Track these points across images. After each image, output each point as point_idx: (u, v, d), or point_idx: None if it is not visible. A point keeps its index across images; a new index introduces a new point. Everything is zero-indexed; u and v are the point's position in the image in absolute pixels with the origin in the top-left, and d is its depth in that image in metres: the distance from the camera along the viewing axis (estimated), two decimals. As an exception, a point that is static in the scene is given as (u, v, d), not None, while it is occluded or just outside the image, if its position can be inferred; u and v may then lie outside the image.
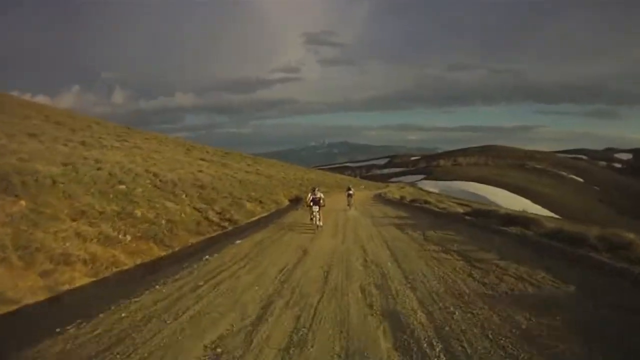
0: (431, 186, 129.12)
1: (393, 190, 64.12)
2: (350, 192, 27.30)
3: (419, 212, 24.28)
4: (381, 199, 42.19)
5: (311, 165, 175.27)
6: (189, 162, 31.73)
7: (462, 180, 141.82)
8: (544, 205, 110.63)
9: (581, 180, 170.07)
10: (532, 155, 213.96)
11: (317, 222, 15.16)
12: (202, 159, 37.69)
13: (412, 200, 33.11)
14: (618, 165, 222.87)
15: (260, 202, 24.13)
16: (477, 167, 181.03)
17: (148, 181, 17.36)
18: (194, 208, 16.14)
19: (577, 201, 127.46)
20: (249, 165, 49.09)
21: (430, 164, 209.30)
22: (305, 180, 54.30)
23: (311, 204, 15.50)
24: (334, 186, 61.35)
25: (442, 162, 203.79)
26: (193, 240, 12.64)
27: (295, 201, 30.32)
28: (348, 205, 26.06)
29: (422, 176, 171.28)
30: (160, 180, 18.14)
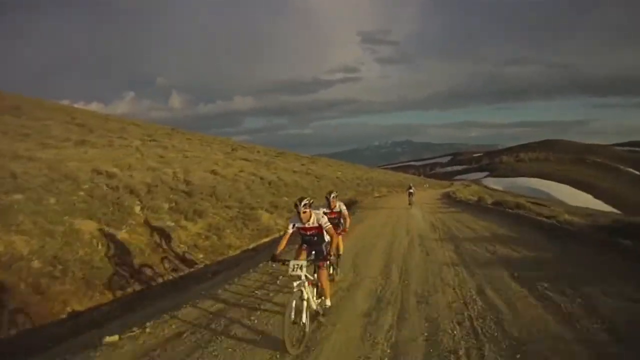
0: (495, 183, 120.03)
1: (460, 190, 55.14)
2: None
3: (520, 224, 14.93)
4: (451, 200, 34.39)
5: (375, 165, 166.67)
6: (227, 162, 27.65)
7: (524, 176, 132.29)
8: (605, 201, 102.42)
9: (637, 172, 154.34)
10: (590, 149, 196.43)
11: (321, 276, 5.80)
12: (245, 159, 32.88)
13: (496, 203, 24.58)
14: None
15: (289, 210, 18.32)
16: (539, 162, 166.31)
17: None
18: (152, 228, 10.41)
19: (637, 195, 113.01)
20: (303, 165, 43.68)
21: (493, 160, 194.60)
22: (364, 180, 48.34)
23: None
24: (396, 185, 55.19)
25: (504, 158, 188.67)
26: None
27: (349, 204, 24.62)
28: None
29: (485, 173, 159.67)
30: (107, 186, 12.27)
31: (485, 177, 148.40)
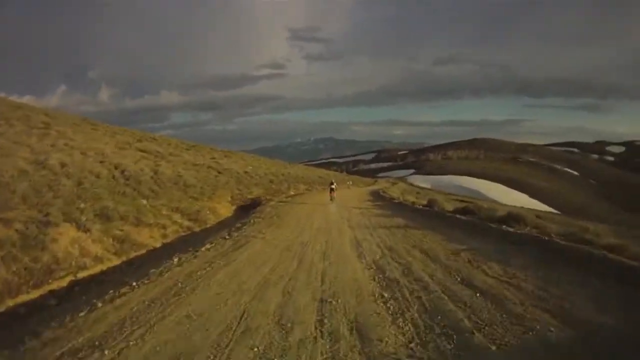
0: (422, 181, 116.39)
1: (388, 187, 51.26)
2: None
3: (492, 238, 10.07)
4: (383, 199, 30.31)
5: (296, 161, 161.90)
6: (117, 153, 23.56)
7: (453, 174, 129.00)
8: (542, 200, 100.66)
9: (576, 173, 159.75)
10: (524, 148, 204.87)
11: None
12: (143, 151, 28.55)
13: (463, 210, 16.70)
14: (610, 159, 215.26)
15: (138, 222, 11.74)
16: (469, 161, 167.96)
17: None
18: None
19: (575, 195, 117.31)
20: (212, 158, 39.20)
21: (419, 157, 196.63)
22: (280, 176, 43.53)
23: None
24: (317, 182, 50.41)
25: (431, 155, 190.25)
26: None
27: (249, 207, 22.83)
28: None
29: (411, 170, 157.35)
30: None
31: (411, 174, 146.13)
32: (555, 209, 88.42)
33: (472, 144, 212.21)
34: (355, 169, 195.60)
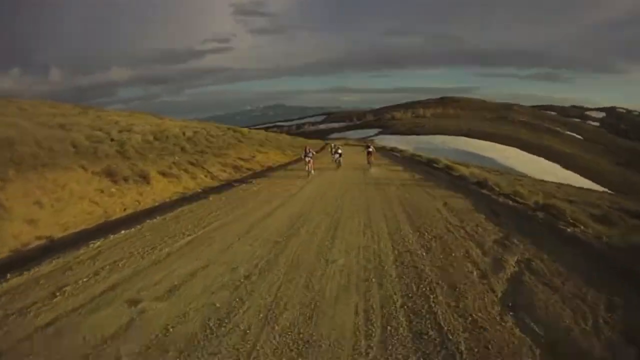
0: (399, 142, 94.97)
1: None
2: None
3: None
4: None
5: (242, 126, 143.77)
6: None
7: (441, 134, 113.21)
8: (578, 172, 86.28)
9: (580, 137, 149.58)
10: (508, 106, 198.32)
11: None
12: None
13: None
14: (595, 124, 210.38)
15: None
16: (449, 119, 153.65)
17: None
18: None
19: (602, 164, 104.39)
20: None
21: (382, 116, 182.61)
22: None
23: None
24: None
25: (397, 114, 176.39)
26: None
27: None
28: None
29: (376, 130, 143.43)
30: None
31: (377, 134, 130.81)
32: (594, 182, 76.67)
33: (443, 102, 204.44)
34: (300, 130, 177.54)
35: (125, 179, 17.37)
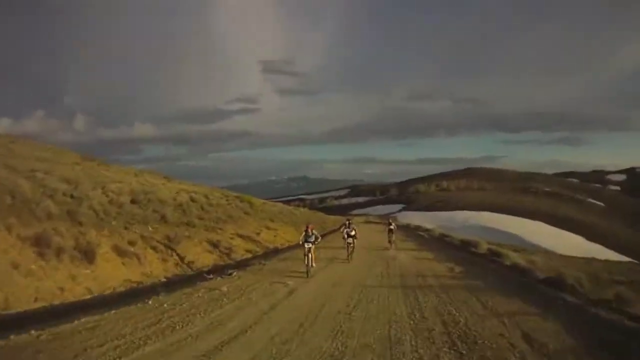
0: (422, 219, 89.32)
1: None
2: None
3: None
4: None
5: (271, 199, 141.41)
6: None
7: (464, 209, 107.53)
8: (603, 244, 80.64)
9: (601, 204, 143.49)
10: (531, 177, 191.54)
11: None
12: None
13: None
14: (616, 188, 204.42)
15: None
16: (473, 192, 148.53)
17: None
18: None
19: (625, 233, 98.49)
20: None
21: (406, 190, 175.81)
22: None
23: None
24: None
25: (422, 187, 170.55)
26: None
27: None
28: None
29: (400, 206, 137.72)
30: None
31: (400, 210, 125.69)
32: (627, 256, 69.54)
33: (467, 173, 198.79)
34: (323, 205, 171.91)
35: (59, 253, 12.66)
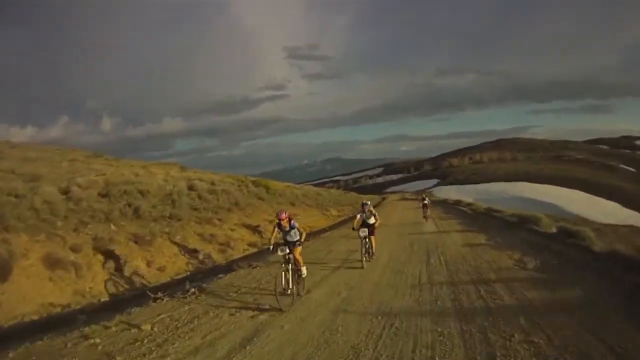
0: (457, 193, 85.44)
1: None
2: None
3: None
4: None
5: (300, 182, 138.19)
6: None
7: (500, 181, 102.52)
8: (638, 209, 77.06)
9: (633, 170, 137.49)
10: (564, 145, 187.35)
11: None
12: None
13: None
14: None
15: None
16: (507, 163, 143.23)
17: None
18: None
19: None
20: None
21: (439, 164, 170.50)
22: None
23: None
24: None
25: (455, 161, 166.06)
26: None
27: None
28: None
29: (434, 181, 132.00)
30: None
31: (435, 185, 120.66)
32: None
33: (498, 144, 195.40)
34: (357, 185, 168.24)
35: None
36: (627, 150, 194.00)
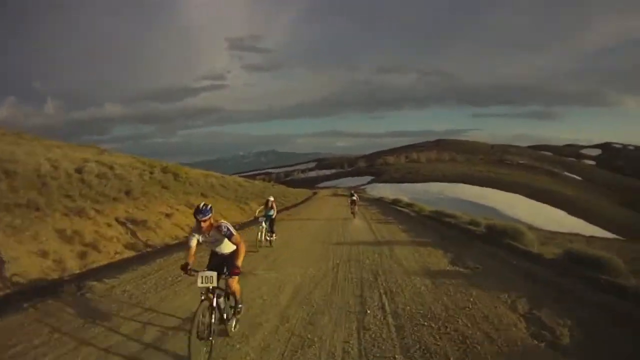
0: (393, 191, 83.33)
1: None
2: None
3: None
4: None
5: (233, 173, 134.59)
6: None
7: (438, 181, 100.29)
8: (585, 218, 76.06)
9: (578, 178, 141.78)
10: (504, 149, 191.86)
11: None
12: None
13: None
14: (591, 162, 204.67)
15: None
16: (445, 164, 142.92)
17: None
18: None
19: (606, 207, 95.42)
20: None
21: (374, 162, 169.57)
22: None
23: None
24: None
25: (391, 159, 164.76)
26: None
27: None
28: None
29: (368, 178, 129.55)
30: None
31: (369, 182, 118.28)
32: (603, 228, 68.75)
33: (438, 145, 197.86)
34: (289, 178, 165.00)
35: None
36: (571, 159, 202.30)
